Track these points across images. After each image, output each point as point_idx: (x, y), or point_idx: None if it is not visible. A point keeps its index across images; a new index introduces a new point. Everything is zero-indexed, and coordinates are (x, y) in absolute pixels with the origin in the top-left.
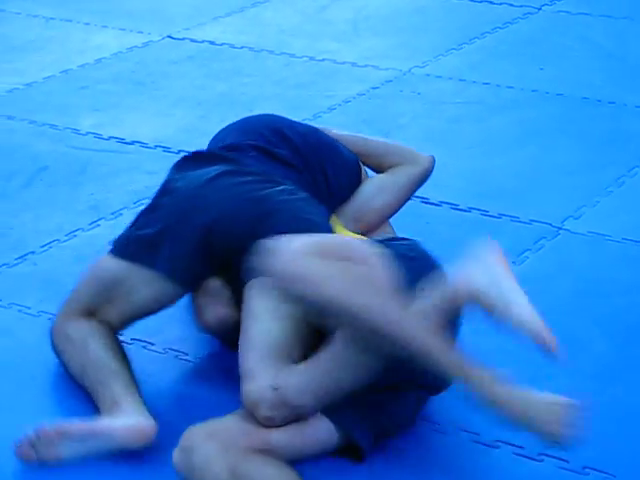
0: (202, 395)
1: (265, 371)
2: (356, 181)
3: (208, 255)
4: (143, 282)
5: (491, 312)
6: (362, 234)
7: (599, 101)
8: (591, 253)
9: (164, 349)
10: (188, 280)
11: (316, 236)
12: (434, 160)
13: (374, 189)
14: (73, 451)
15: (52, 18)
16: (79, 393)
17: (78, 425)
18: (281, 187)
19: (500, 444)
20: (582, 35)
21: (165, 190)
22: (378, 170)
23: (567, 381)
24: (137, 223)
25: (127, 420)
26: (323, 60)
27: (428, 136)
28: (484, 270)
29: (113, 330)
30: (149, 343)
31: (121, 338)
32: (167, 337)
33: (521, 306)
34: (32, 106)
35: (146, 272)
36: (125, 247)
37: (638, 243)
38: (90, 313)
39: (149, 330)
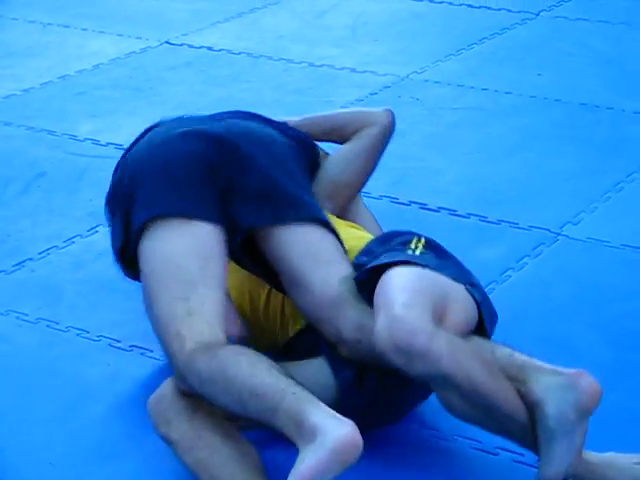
0: None
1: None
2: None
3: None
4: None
5: None
6: (338, 215)
7: (597, 107)
8: (590, 259)
9: (162, 356)
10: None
11: (414, 281)
12: (392, 113)
13: (339, 162)
14: None
15: (50, 24)
16: (75, 400)
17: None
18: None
19: (500, 451)
20: (580, 41)
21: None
22: (343, 143)
23: None
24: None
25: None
26: (322, 66)
27: (427, 142)
28: None
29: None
30: (147, 350)
31: (119, 345)
32: None
33: None
34: (29, 112)
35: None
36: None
37: (637, 249)
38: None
39: (147, 337)
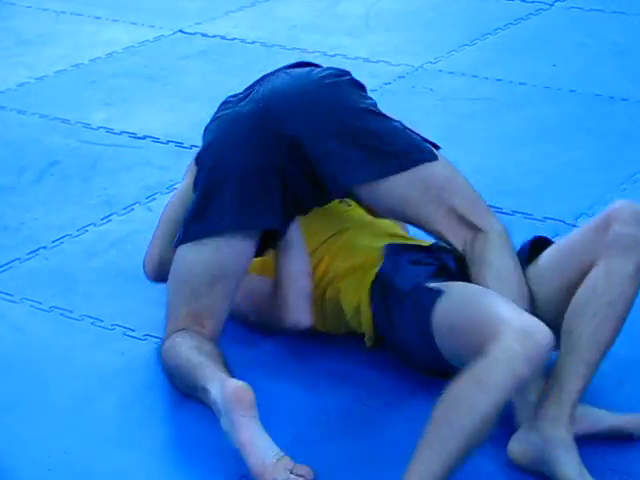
0: None
1: None
2: None
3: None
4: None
5: None
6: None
7: (612, 98)
8: None
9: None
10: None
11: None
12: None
13: None
14: None
15: (63, 12)
16: (89, 389)
17: None
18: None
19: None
20: (595, 31)
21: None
22: None
23: None
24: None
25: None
26: (335, 55)
27: (440, 132)
28: None
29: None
30: (162, 339)
31: (133, 334)
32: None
33: None
34: (43, 100)
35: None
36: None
37: None
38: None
39: (161, 326)
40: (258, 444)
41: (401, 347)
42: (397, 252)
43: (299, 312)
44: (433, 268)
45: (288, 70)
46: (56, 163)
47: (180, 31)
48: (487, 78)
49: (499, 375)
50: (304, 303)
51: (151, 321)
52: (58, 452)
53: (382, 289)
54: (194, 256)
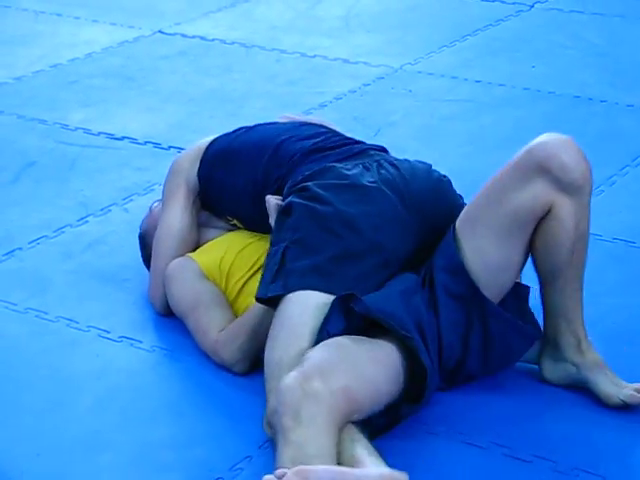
0: (192, 392)
1: None
2: None
3: None
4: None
5: None
6: None
7: (591, 99)
8: None
9: (152, 347)
10: None
11: None
12: None
13: None
14: None
15: (42, 12)
16: (63, 391)
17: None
18: None
19: (492, 445)
20: (574, 33)
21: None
22: None
23: None
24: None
25: (382, 470)
26: (314, 56)
27: (420, 133)
28: None
29: None
30: (137, 341)
31: (108, 335)
32: (155, 335)
33: None
34: (21, 100)
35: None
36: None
37: (629, 243)
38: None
39: (137, 327)
40: None
41: None
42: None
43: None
44: None
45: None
46: (33, 164)
47: (159, 32)
48: (466, 79)
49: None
50: None
51: (127, 323)
52: (31, 455)
53: None
54: (292, 307)
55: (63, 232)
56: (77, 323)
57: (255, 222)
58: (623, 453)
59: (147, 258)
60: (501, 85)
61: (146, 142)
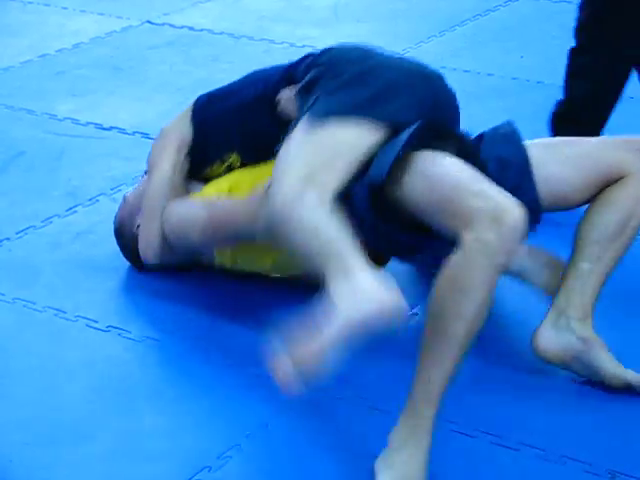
0: (180, 381)
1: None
2: None
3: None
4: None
5: None
6: None
7: None
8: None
9: (140, 337)
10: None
11: None
12: None
13: None
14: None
15: (30, 2)
16: (51, 380)
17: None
18: None
19: (478, 433)
20: (563, 23)
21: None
22: None
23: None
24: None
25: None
26: (303, 46)
27: None
28: None
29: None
30: (125, 330)
31: (96, 325)
32: (143, 325)
33: None
34: (8, 91)
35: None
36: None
37: None
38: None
39: (125, 317)
40: None
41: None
42: None
43: None
44: None
45: None
46: (21, 154)
47: (148, 22)
48: (455, 69)
49: (477, 273)
50: None
51: (115, 313)
52: (19, 444)
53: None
54: (328, 132)
55: (51, 222)
56: (65, 313)
57: (261, 144)
58: (610, 439)
59: (124, 247)
60: (490, 75)
61: (134, 132)
